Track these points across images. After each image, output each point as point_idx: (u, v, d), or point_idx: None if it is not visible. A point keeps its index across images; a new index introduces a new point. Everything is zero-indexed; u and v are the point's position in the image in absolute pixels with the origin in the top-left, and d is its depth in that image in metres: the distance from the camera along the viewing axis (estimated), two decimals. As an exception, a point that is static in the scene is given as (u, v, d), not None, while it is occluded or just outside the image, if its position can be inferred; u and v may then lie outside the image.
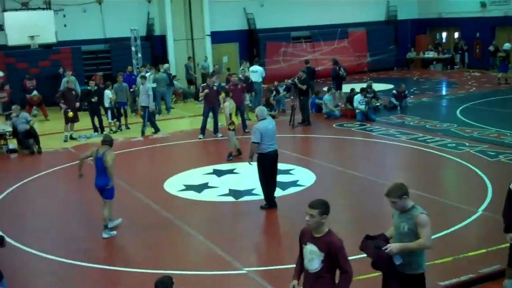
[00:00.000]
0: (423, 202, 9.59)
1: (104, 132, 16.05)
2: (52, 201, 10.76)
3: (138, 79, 18.67)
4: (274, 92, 18.53)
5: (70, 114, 15.24)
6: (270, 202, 9.43)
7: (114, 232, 8.66)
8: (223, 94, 14.26)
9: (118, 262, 7.67)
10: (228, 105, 12.73)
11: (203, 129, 15.05)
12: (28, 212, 10.19)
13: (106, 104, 16.09)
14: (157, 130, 15.83)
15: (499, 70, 23.22)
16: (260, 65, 20.68)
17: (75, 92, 15.87)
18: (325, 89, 19.67)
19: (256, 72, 18.90)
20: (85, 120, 16.71)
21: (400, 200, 5.22)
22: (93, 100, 15.79)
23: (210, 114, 15.06)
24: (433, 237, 7.87)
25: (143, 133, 15.67)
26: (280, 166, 9.76)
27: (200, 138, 15.00)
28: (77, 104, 15.81)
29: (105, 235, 8.52)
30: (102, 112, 16.34)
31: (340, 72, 18.86)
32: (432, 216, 8.91)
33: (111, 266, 7.55)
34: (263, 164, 9.27)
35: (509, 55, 24.00)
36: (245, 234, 8.75)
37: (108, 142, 8.57)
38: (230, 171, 11.82)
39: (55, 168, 12.80)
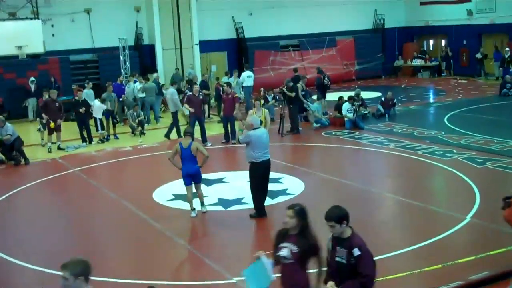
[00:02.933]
0: (411, 209, 9.71)
1: (93, 142, 16.02)
2: (39, 212, 10.67)
3: (127, 89, 18.71)
4: (263, 101, 18.54)
5: (52, 125, 15.12)
6: (259, 211, 9.42)
7: (206, 208, 9.81)
8: (261, 101, 14.16)
9: (106, 273, 7.60)
10: (266, 112, 12.72)
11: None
12: (15, 223, 10.09)
13: (94, 115, 16.05)
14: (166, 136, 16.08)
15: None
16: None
17: (58, 104, 15.58)
18: (314, 97, 19.72)
19: (251, 77, 19.87)
20: (73, 131, 16.64)
21: (74, 279, 4.00)
22: (81, 110, 15.72)
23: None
24: (422, 244, 8.00)
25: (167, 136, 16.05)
26: (269, 174, 9.75)
27: None
28: (62, 115, 15.63)
29: (204, 209, 9.71)
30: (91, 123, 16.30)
31: (325, 81, 18.95)
32: (420, 223, 9.04)
33: (98, 277, 7.45)
34: (256, 173, 9.27)
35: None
36: (235, 243, 8.72)
37: (190, 133, 9.82)
38: (219, 180, 11.80)
39: (42, 179, 12.72)
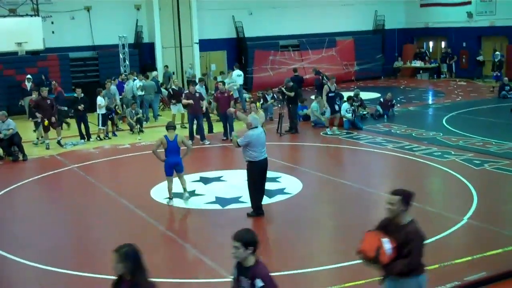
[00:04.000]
0: (409, 210, 9.70)
1: (91, 140, 16.02)
2: (37, 209, 10.66)
3: (126, 87, 18.69)
4: (262, 100, 18.57)
5: (46, 122, 15.10)
6: (257, 210, 9.42)
7: (188, 195, 10.27)
8: (257, 104, 14.09)
9: (103, 270, 7.59)
10: (262, 115, 12.63)
11: (191, 136, 15.18)
12: (12, 219, 10.08)
13: (98, 111, 16.05)
14: (189, 135, 15.33)
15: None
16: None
17: (50, 101, 15.46)
18: (313, 97, 19.74)
19: (240, 76, 19.91)
20: (71, 127, 16.63)
21: None
22: (79, 107, 15.70)
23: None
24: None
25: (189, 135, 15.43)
26: (267, 173, 9.72)
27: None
28: (55, 112, 15.51)
29: (186, 195, 10.17)
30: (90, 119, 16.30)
31: (324, 81, 18.95)
32: (418, 223, 9.03)
33: (95, 274, 7.48)
34: (253, 172, 9.27)
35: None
36: (232, 242, 8.69)
37: (173, 127, 10.21)
38: (217, 179, 11.80)
39: (40, 176, 12.71)
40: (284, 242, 8.52)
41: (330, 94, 16.08)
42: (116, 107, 17.54)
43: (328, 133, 15.96)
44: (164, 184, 10.97)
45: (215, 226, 9.43)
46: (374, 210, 10.07)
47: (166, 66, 22.77)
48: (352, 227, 8.95)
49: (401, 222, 4.93)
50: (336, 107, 16.18)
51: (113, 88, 17.65)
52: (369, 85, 26.10)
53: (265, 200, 9.77)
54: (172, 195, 10.20)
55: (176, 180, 10.62)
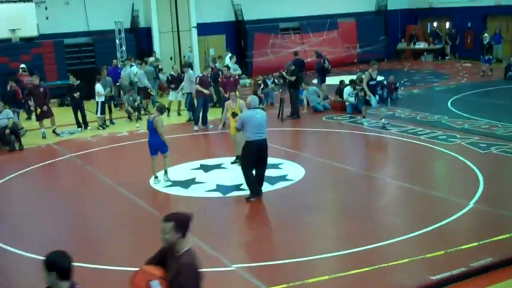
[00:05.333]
0: (414, 195, 9.52)
1: (89, 128, 15.79)
2: (35, 199, 10.53)
3: (123, 73, 18.43)
4: (262, 85, 18.27)
5: (38, 111, 14.90)
6: (253, 192, 9.30)
7: (169, 178, 10.43)
8: (237, 92, 13.75)
9: (104, 261, 7.47)
10: (242, 103, 12.36)
11: (197, 121, 15.04)
12: (11, 210, 9.95)
13: (97, 98, 15.77)
14: (195, 121, 15.24)
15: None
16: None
17: (43, 89, 15.20)
18: (315, 81, 19.44)
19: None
20: (68, 116, 16.39)
21: None
22: (75, 95, 15.44)
23: None
24: (424, 230, 7.84)
25: (195, 121, 15.27)
26: (269, 160, 9.63)
27: (196, 130, 14.91)
28: (48, 100, 15.27)
29: (165, 179, 10.41)
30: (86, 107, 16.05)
31: (325, 64, 18.61)
32: (423, 209, 8.86)
33: (96, 264, 7.34)
34: (247, 151, 9.28)
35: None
36: (233, 230, 8.60)
37: (159, 108, 10.41)
38: (218, 166, 11.61)
39: (37, 165, 12.55)
40: (287, 229, 8.38)
41: (371, 82, 14.31)
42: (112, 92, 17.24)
43: (364, 123, 14.73)
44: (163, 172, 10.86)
45: (216, 214, 9.28)
46: (379, 195, 9.96)
47: (154, 52, 22.32)
48: (355, 213, 8.81)
49: (178, 252, 4.23)
50: (377, 97, 14.50)
51: (139, 72, 17.59)
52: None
53: (267, 187, 9.66)
54: (156, 174, 10.49)
55: (181, 169, 10.54)
